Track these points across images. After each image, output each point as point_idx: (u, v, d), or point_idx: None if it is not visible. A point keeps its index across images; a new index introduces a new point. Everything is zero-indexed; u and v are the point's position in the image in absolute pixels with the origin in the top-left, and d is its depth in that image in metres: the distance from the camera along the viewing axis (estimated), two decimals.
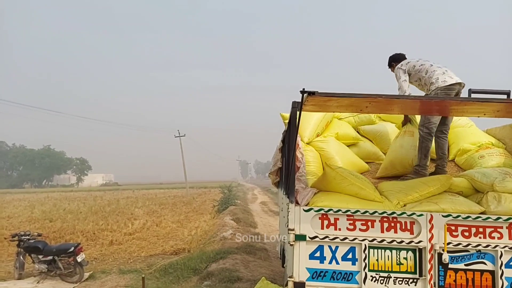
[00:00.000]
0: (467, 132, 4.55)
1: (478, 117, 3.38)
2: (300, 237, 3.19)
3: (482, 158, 4.00)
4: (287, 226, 3.26)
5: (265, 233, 11.49)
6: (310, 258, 3.22)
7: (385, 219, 3.20)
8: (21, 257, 7.17)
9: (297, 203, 3.29)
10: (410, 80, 4.17)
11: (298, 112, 2.89)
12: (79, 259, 6.84)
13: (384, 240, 3.17)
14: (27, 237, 7.33)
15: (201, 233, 11.88)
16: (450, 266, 3.12)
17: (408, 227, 3.19)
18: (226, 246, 9.00)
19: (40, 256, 6.99)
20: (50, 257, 6.91)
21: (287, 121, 4.48)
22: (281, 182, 5.46)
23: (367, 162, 4.43)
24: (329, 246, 3.22)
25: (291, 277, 3.20)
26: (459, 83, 3.82)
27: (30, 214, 18.45)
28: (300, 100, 3.05)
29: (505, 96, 2.66)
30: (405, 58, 4.33)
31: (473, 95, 2.68)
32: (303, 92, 2.54)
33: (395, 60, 4.39)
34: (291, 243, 3.18)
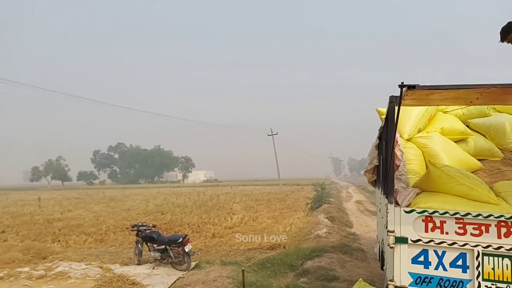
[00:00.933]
0: None
1: None
2: (401, 240, 3.03)
3: None
4: (386, 227, 3.13)
5: (362, 234, 11.10)
6: (412, 262, 3.04)
7: (502, 223, 2.85)
8: (139, 245, 8.17)
9: (397, 203, 3.13)
10: None
11: (396, 107, 2.75)
12: (186, 249, 7.51)
13: (502, 247, 2.83)
14: (144, 227, 8.32)
15: (296, 230, 12.01)
16: None
17: None
18: (321, 244, 8.94)
19: (155, 245, 7.87)
20: (163, 246, 7.72)
21: (383, 116, 4.26)
22: (378, 181, 5.23)
23: (479, 160, 3.97)
24: (435, 251, 3.00)
25: (391, 280, 3.07)
26: None
27: (145, 207, 20.92)
28: (398, 95, 2.91)
29: None
30: None
31: None
32: (401, 86, 2.42)
33: None
34: (391, 245, 3.05)
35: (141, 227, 8.30)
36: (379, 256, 5.55)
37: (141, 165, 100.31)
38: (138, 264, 8.03)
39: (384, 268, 4.38)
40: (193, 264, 7.72)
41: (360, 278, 3.99)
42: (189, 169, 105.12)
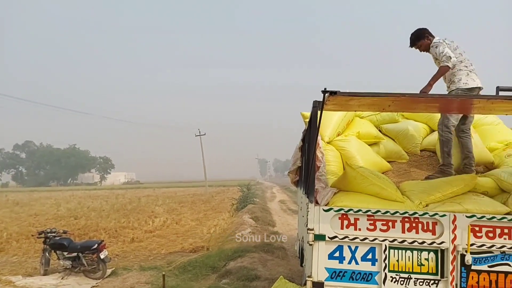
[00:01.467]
0: (494, 130, 4.43)
1: (506, 115, 3.29)
2: (320, 237, 3.18)
3: (510, 157, 3.88)
4: (307, 225, 3.26)
5: (284, 232, 11.49)
6: (329, 258, 3.20)
7: (406, 219, 3.15)
8: (47, 254, 7.39)
9: (316, 202, 3.28)
10: (436, 63, 4.06)
11: (319, 112, 2.87)
12: (102, 255, 7.00)
13: (405, 240, 3.12)
14: (53, 234, 7.54)
15: (220, 231, 11.98)
16: (473, 267, 3.05)
17: (430, 228, 3.13)
18: (244, 244, 9.04)
19: (65, 253, 7.19)
20: (75, 254, 7.10)
21: (307, 120, 4.46)
22: (300, 181, 5.44)
23: (389, 161, 4.36)
24: (349, 246, 3.20)
25: (309, 276, 3.20)
26: (479, 87, 3.80)
27: (56, 211, 19.04)
28: (321, 99, 3.05)
29: None
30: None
31: (501, 93, 2.59)
32: (324, 91, 2.54)
33: (426, 33, 4.14)
34: (310, 242, 3.18)
35: (49, 234, 7.52)
36: (299, 253, 5.78)
37: (52, 166, 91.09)
38: (45, 274, 7.27)
39: (303, 264, 4.57)
40: (109, 271, 7.23)
41: (281, 276, 4.10)
42: (108, 171, 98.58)
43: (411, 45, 4.22)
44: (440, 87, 4.08)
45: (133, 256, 8.97)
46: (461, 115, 4.00)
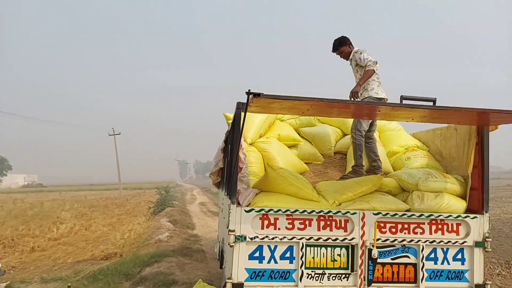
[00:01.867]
0: (396, 135, 4.91)
1: (407, 121, 3.67)
2: (241, 238, 3.18)
3: (409, 160, 4.34)
4: (228, 227, 3.24)
5: (204, 235, 11.35)
6: (249, 259, 3.23)
7: (321, 217, 3.32)
8: None
9: (238, 204, 3.28)
10: (355, 70, 4.39)
11: (242, 113, 2.88)
12: None
13: (320, 238, 3.28)
14: None
15: (135, 236, 11.38)
16: (379, 260, 3.33)
17: (343, 225, 3.34)
18: (161, 249, 8.70)
19: None
20: None
21: (230, 121, 4.45)
22: (222, 183, 5.41)
23: (306, 163, 4.57)
24: (268, 246, 3.26)
25: (229, 278, 3.18)
26: (386, 99, 4.22)
27: None
28: (244, 101, 3.06)
29: (431, 103, 2.89)
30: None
31: (404, 102, 2.88)
32: (248, 93, 2.53)
33: (348, 41, 4.45)
34: (231, 244, 3.16)
35: None
36: (218, 255, 5.74)
37: None
38: None
39: (223, 266, 4.54)
40: (2, 285, 6.35)
41: (200, 279, 4.02)
42: (4, 172, 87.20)
43: (334, 50, 4.50)
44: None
45: (34, 267, 8.02)
46: (370, 122, 4.38)
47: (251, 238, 3.20)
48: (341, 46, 4.44)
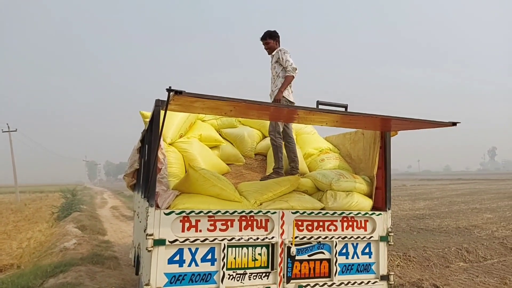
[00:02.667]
0: (311, 138, 5.19)
1: (321, 125, 3.90)
2: (159, 242, 3.05)
3: (323, 162, 4.62)
4: (146, 231, 3.08)
5: (116, 240, 10.67)
6: (169, 263, 3.11)
7: (243, 218, 3.35)
8: None
9: (157, 206, 3.14)
10: (273, 66, 4.49)
11: (162, 111, 2.75)
12: None
13: (242, 238, 3.31)
14: None
15: (36, 245, 10.23)
16: (297, 257, 3.46)
17: (263, 225, 3.41)
18: (68, 257, 7.95)
19: None
20: None
21: (147, 119, 4.25)
22: (138, 185, 5.14)
23: (228, 164, 4.57)
24: (189, 249, 3.18)
25: (147, 284, 3.03)
26: (294, 103, 4.43)
27: None
28: (163, 99, 2.93)
29: (343, 109, 3.10)
30: None
31: (320, 107, 3.04)
32: (169, 90, 2.43)
33: (278, 38, 4.56)
34: (149, 248, 3.01)
35: None
36: (134, 261, 5.44)
37: None
38: None
39: (139, 273, 4.31)
40: None
41: (112, 287, 3.77)
42: None
43: (262, 38, 4.57)
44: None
45: None
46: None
47: (171, 242, 3.08)
48: (271, 38, 4.55)
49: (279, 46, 4.58)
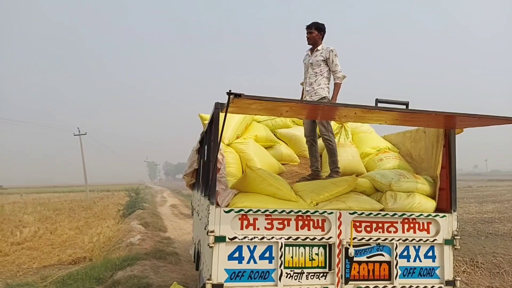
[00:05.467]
0: (368, 137, 5.06)
1: (380, 124, 3.80)
2: (220, 239, 3.17)
3: (381, 161, 4.49)
4: (207, 228, 3.22)
5: (176, 237, 11.20)
6: (229, 259, 3.22)
7: (300, 217, 3.37)
8: None
9: (217, 204, 3.27)
10: (316, 63, 4.38)
11: (224, 114, 2.87)
12: None
13: (299, 237, 3.33)
14: None
15: (104, 240, 11.06)
16: (355, 259, 3.41)
17: (320, 225, 3.41)
18: (133, 252, 8.51)
19: None
20: None
21: (206, 122, 4.43)
22: (197, 184, 5.37)
23: (283, 164, 4.62)
24: (248, 246, 3.27)
25: (209, 279, 3.16)
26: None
27: None
28: (222, 102, 3.06)
29: (404, 107, 3.00)
30: None
31: (379, 104, 2.98)
32: (229, 93, 2.53)
33: (324, 32, 4.43)
34: (211, 245, 3.15)
35: None
36: (194, 257, 5.69)
37: None
38: None
39: (200, 268, 4.51)
40: None
41: (175, 282, 3.98)
42: None
43: (309, 27, 4.42)
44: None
45: None
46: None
47: (231, 239, 3.20)
48: (316, 29, 4.41)
49: (322, 41, 4.43)
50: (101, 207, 22.53)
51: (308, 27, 4.44)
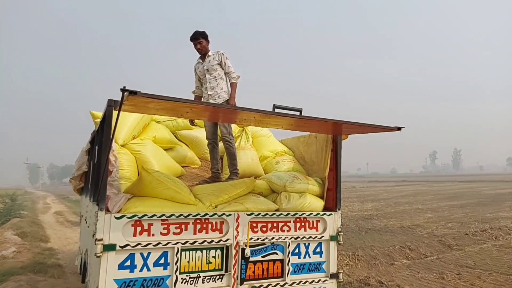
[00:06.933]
0: (267, 141, 5.27)
1: (277, 128, 3.98)
2: (109, 247, 2.94)
3: (278, 164, 4.71)
4: (95, 236, 2.95)
5: (60, 247, 10.06)
6: (119, 269, 3.01)
7: (198, 220, 3.32)
8: None
9: (107, 210, 3.02)
10: (212, 68, 4.46)
11: (114, 111, 2.67)
12: None
13: (196, 241, 3.28)
14: None
15: None
16: (251, 259, 3.50)
17: (218, 227, 3.41)
18: (6, 266, 7.36)
19: None
20: None
21: (98, 120, 4.08)
22: (86, 188, 4.91)
23: (183, 166, 4.51)
24: (141, 254, 3.10)
25: None
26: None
27: None
28: (117, 99, 2.85)
29: (298, 113, 3.19)
30: None
31: (276, 110, 3.11)
32: (123, 90, 2.36)
33: (208, 38, 4.49)
34: (98, 254, 2.89)
35: None
36: (80, 269, 5.18)
37: None
38: None
39: (86, 280, 4.12)
40: None
41: None
42: None
43: (196, 39, 4.45)
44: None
45: None
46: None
47: (122, 247, 2.98)
48: (204, 38, 4.48)
49: (208, 46, 4.53)
50: None
51: (195, 39, 4.47)
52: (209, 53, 4.50)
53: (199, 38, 4.44)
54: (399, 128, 3.45)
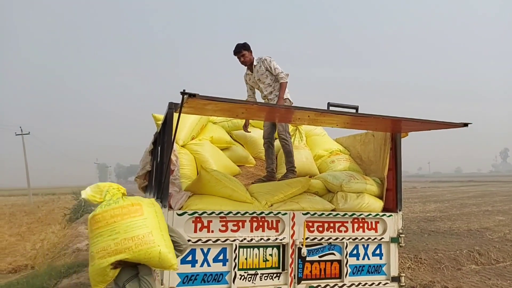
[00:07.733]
0: (321, 140, 5.20)
1: (332, 127, 3.93)
2: None
3: (333, 163, 4.63)
4: None
5: None
6: (181, 263, 3.16)
7: (254, 219, 3.39)
8: None
9: (170, 207, 3.20)
10: (263, 75, 4.46)
11: (177, 114, 2.81)
12: None
13: (253, 239, 3.35)
14: None
15: (49, 246, 10.40)
16: (308, 258, 3.49)
17: (274, 226, 3.45)
18: (80, 258, 8.08)
19: None
20: None
21: (160, 122, 4.31)
22: (149, 186, 5.21)
23: (238, 166, 4.62)
24: (201, 249, 3.23)
25: (161, 284, 3.08)
26: (292, 102, 4.48)
27: None
28: (176, 102, 2.99)
29: (354, 110, 3.11)
30: None
31: (331, 108, 3.06)
32: (183, 93, 2.48)
33: (250, 48, 4.48)
34: None
35: None
36: None
37: None
38: None
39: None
40: None
41: None
42: None
43: (238, 52, 4.45)
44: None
45: None
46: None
47: None
48: (246, 50, 4.47)
49: (253, 56, 4.51)
50: (46, 211, 21.13)
51: (237, 53, 4.47)
52: (254, 63, 4.49)
53: (241, 51, 4.44)
54: (465, 124, 3.23)
